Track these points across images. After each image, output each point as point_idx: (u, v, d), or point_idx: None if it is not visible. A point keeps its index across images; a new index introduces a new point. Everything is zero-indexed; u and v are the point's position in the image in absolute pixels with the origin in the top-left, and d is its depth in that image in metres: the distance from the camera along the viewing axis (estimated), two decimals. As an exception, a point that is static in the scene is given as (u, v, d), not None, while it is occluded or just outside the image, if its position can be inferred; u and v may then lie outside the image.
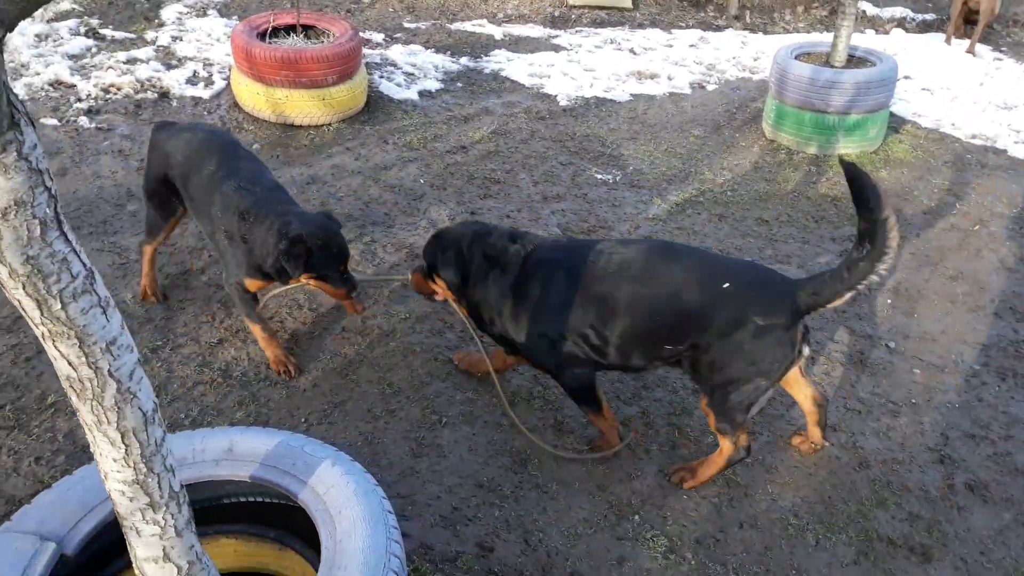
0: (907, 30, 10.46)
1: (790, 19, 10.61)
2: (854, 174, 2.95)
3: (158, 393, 3.64)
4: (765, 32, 10.16)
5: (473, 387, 3.89)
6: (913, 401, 4.13)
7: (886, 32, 10.32)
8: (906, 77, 8.68)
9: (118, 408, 1.63)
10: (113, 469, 1.71)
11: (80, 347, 1.56)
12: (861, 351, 4.44)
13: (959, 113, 7.79)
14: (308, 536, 2.18)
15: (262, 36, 6.44)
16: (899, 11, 10.95)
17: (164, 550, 1.85)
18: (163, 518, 1.81)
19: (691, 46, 9.34)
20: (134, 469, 1.71)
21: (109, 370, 1.60)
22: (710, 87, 8.23)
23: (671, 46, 9.27)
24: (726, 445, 3.33)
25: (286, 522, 2.32)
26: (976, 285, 5.14)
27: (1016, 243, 5.61)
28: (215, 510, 2.36)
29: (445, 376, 3.95)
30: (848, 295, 3.03)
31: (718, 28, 10.12)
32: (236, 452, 2.23)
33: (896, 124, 7.44)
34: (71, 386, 1.60)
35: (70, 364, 1.57)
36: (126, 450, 1.68)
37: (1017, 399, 4.17)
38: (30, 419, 3.50)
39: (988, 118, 7.71)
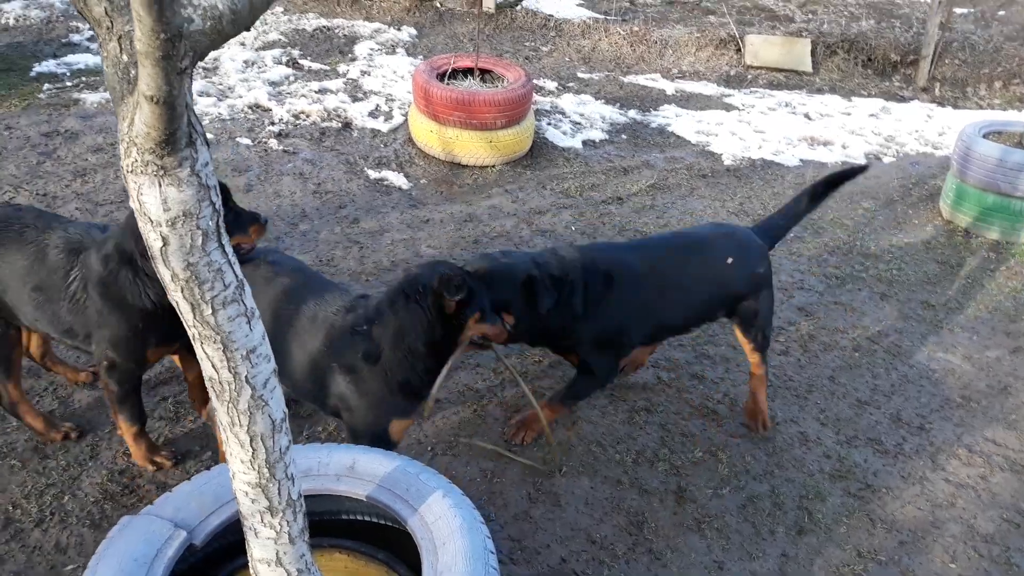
0: (1121, 115, 9.59)
1: (985, 94, 9.99)
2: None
3: (300, 405, 3.85)
4: (955, 106, 9.62)
5: (596, 440, 3.87)
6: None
7: (1095, 115, 9.51)
8: (1114, 166, 7.95)
9: (250, 413, 1.76)
10: (240, 470, 1.84)
11: (224, 352, 1.70)
12: (1029, 457, 4.06)
13: None
14: (414, 563, 2.23)
15: (441, 77, 6.78)
16: (1113, 93, 10.08)
17: (277, 554, 1.96)
18: (279, 523, 1.92)
19: (871, 115, 8.98)
20: (258, 472, 1.83)
21: (247, 376, 1.73)
22: (887, 159, 7.87)
23: (849, 114, 8.95)
24: (763, 369, 4.00)
25: (396, 545, 2.39)
26: None
27: None
28: (334, 524, 2.47)
29: (570, 424, 3.94)
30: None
31: (903, 99, 9.68)
32: (357, 470, 2.33)
33: (1096, 215, 6.81)
34: (212, 386, 1.75)
35: (213, 366, 1.71)
36: (253, 453, 1.80)
37: None
38: (187, 414, 3.79)
39: None
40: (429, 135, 6.60)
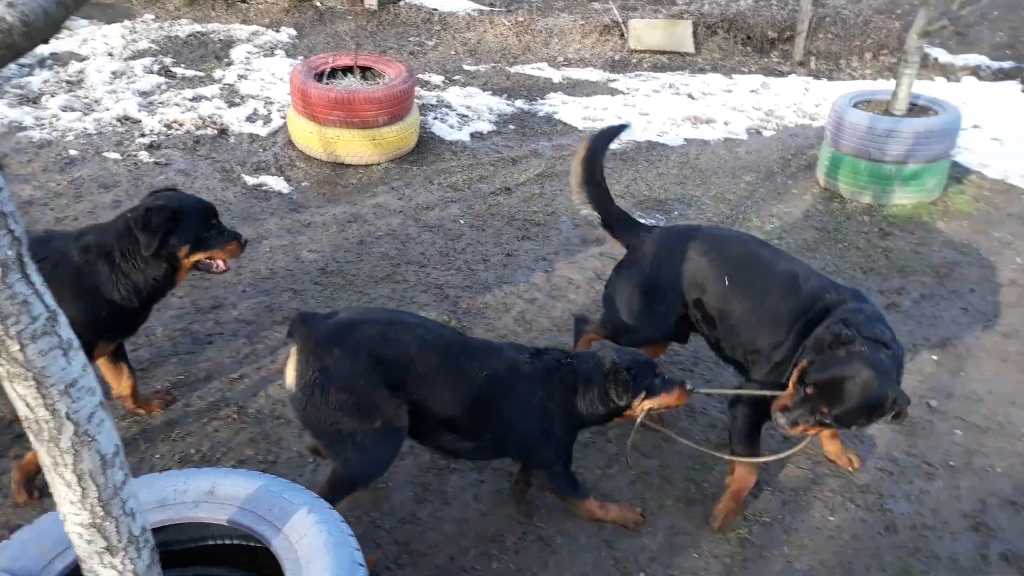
0: (981, 78, 10.12)
1: (857, 66, 10.39)
2: None
3: (172, 428, 3.72)
4: (830, 79, 9.98)
5: (488, 433, 3.86)
6: (951, 464, 3.93)
7: (958, 80, 10.01)
8: (975, 126, 8.38)
9: (75, 451, 1.67)
10: (71, 512, 1.75)
11: (37, 389, 1.61)
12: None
13: (1030, 164, 7.48)
14: (280, 579, 2.18)
15: (320, 77, 6.65)
16: (974, 59, 10.62)
17: (124, 592, 1.87)
18: (121, 562, 1.83)
19: (752, 91, 9.24)
20: (91, 512, 1.74)
21: (67, 412, 1.64)
22: (767, 133, 8.10)
23: (730, 91, 9.18)
24: None
25: (267, 566, 2.32)
26: (1029, 343, 4.89)
27: (1080, 303, 5.32)
28: (200, 551, 2.39)
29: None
30: None
31: (781, 74, 9.99)
32: (217, 495, 2.26)
33: (959, 174, 7.17)
34: (28, 426, 1.65)
35: (27, 405, 1.62)
36: (83, 493, 1.72)
37: (1066, 468, 3.93)
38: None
39: (1062, 169, 7.37)
40: (309, 137, 6.46)
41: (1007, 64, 10.48)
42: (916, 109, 6.67)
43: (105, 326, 3.22)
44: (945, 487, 3.79)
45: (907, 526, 3.57)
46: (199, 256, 3.35)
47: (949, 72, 10.26)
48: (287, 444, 3.69)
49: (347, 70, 6.93)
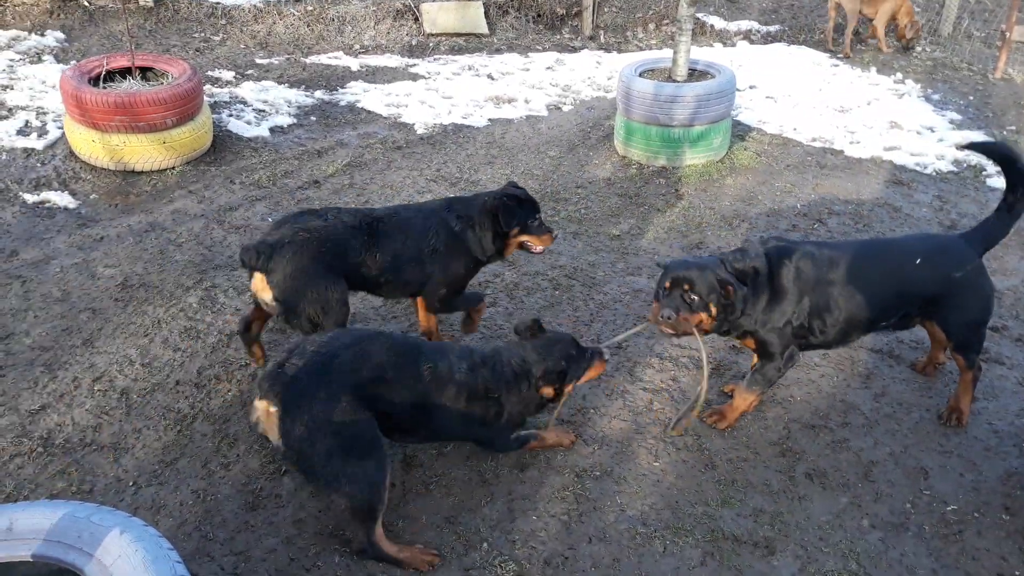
0: (752, 42, 10.98)
1: (642, 37, 10.96)
2: (978, 146, 4.14)
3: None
4: (619, 51, 10.47)
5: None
6: (758, 399, 4.27)
7: (733, 45, 10.79)
8: (751, 87, 9.10)
9: None
10: None
11: None
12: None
13: (800, 118, 8.21)
14: (105, 610, 2.05)
15: (95, 81, 6.20)
16: (745, 24, 11.49)
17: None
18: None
19: (548, 68, 9.53)
20: None
21: None
22: (566, 108, 8.39)
23: (528, 70, 9.42)
24: (970, 376, 4.03)
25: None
26: (816, 281, 5.37)
27: (852, 237, 5.91)
28: (8, 593, 2.20)
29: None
30: (1012, 229, 3.91)
31: (573, 49, 10.36)
32: (16, 530, 2.08)
33: (742, 132, 7.77)
34: None
35: None
36: None
37: (853, 387, 4.37)
38: None
39: (826, 121, 8.15)
40: (92, 145, 6.01)
41: (774, 28, 11.42)
42: (696, 74, 7.14)
43: (469, 276, 4.32)
44: (754, 420, 4.11)
45: (724, 460, 3.85)
46: (524, 238, 4.28)
47: (725, 38, 11.04)
48: (102, 471, 3.45)
49: (126, 72, 6.50)
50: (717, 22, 11.46)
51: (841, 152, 7.48)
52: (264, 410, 2.96)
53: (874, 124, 8.09)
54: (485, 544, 3.29)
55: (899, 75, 9.54)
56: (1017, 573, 3.31)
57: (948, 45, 10.63)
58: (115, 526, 2.09)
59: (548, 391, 3.45)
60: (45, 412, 3.78)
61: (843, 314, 3.78)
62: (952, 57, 10.24)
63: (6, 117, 6.68)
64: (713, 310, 3.61)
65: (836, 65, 9.95)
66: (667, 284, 3.61)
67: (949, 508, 3.62)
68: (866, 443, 3.99)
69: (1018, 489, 3.71)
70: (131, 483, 3.40)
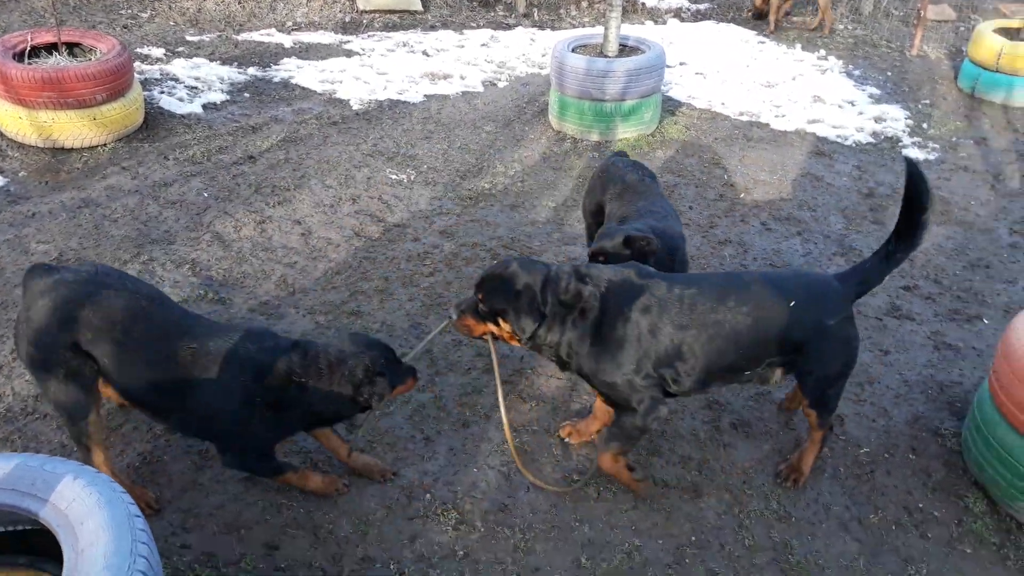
0: (683, 19, 11.23)
1: (576, 14, 11.12)
2: (911, 169, 3.22)
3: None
4: (553, 28, 10.61)
5: (261, 393, 3.87)
6: (686, 357, 4.47)
7: (664, 23, 11.03)
8: (681, 63, 9.34)
9: None
10: None
11: None
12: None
13: (728, 93, 8.48)
14: (60, 555, 2.12)
15: (20, 56, 6.07)
16: (676, 2, 11.75)
17: None
18: None
19: (483, 45, 9.61)
20: None
21: None
22: (501, 84, 8.50)
23: (463, 46, 9.49)
24: (819, 435, 3.60)
25: (40, 544, 2.25)
26: (742, 247, 5.62)
27: (776, 205, 6.18)
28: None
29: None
30: (886, 278, 3.41)
31: (508, 27, 10.46)
32: (-32, 481, 2.14)
33: (673, 107, 7.99)
34: None
35: None
36: None
37: (775, 344, 4.61)
38: None
39: (753, 96, 8.43)
40: (19, 122, 5.91)
41: (703, 6, 11.69)
42: (627, 50, 7.32)
43: None
44: (682, 374, 4.31)
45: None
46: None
47: (656, 15, 11.27)
48: (47, 438, 3.48)
49: (52, 47, 6.38)
50: (648, 0, 11.69)
51: (767, 125, 7.76)
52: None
53: (799, 99, 8.40)
54: (428, 495, 3.42)
55: (822, 51, 9.90)
56: (920, 504, 3.59)
57: (868, 23, 11.05)
58: (68, 473, 2.16)
59: (364, 393, 3.06)
60: (-18, 383, 3.78)
61: (700, 363, 3.20)
62: (872, 35, 10.64)
63: (-74, 94, 6.49)
64: (504, 326, 3.16)
65: (763, 42, 10.26)
66: (478, 281, 3.21)
67: (862, 451, 3.88)
68: (784, 394, 4.23)
69: (923, 431, 3.99)
70: (75, 448, 3.43)
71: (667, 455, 3.77)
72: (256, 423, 3.01)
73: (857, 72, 9.30)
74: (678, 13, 11.44)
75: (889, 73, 9.35)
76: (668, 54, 9.01)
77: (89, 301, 2.94)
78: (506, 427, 3.23)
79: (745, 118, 7.91)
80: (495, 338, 3.27)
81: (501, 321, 3.16)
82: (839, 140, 7.50)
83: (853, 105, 8.30)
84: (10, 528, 2.27)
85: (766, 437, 3.93)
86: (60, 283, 2.97)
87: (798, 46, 10.07)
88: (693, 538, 3.37)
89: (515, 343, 3.25)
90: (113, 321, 2.93)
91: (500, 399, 3.24)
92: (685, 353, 3.17)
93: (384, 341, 3.28)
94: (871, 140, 7.53)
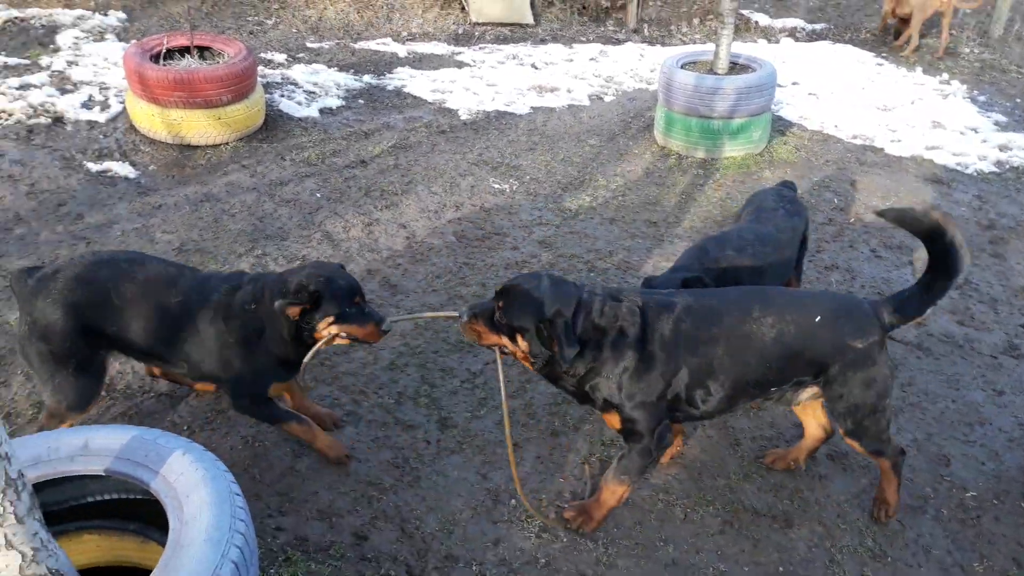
0: (797, 39, 10.98)
1: (687, 31, 11.03)
2: (896, 217, 3.10)
3: (38, 410, 3.64)
4: (663, 44, 10.55)
5: (359, 389, 4.00)
6: (784, 382, 4.37)
7: (777, 42, 10.81)
8: (794, 83, 9.14)
9: (-57, 398, 1.71)
10: (-54, 458, 1.78)
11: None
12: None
13: (842, 115, 8.24)
14: (166, 526, 2.25)
15: (156, 58, 6.47)
16: (791, 22, 11.50)
17: (6, 537, 1.91)
18: (1, 505, 1.87)
19: (591, 59, 9.65)
20: (-35, 457, 1.78)
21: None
22: (608, 98, 8.51)
23: (571, 60, 9.56)
24: (886, 464, 3.42)
25: (146, 515, 2.39)
26: (849, 273, 5.46)
27: (888, 233, 5.97)
28: (81, 509, 2.42)
29: (331, 380, 4.04)
30: (929, 311, 3.15)
31: (618, 41, 10.47)
32: (91, 448, 2.30)
33: (783, 127, 7.83)
34: None
35: None
36: (-45, 438, 1.75)
37: (879, 375, 4.45)
38: None
39: (868, 119, 8.17)
40: (152, 119, 6.29)
41: (819, 25, 11.41)
42: (737, 67, 7.22)
43: None
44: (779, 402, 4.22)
45: (749, 439, 3.97)
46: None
47: (770, 34, 11.06)
48: (160, 415, 3.69)
49: (184, 50, 6.77)
50: (762, 19, 11.49)
51: (881, 150, 7.51)
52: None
53: (916, 123, 8.09)
54: (513, 501, 3.46)
55: (945, 75, 9.51)
56: (1031, 554, 3.40)
57: (997, 47, 10.54)
58: (178, 448, 2.30)
59: (293, 311, 3.02)
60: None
61: (729, 379, 3.10)
62: (1001, 59, 10.16)
63: (72, 91, 6.99)
64: (522, 345, 2.96)
65: (881, 64, 9.93)
66: (499, 287, 3.06)
67: (968, 494, 3.71)
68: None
69: (1038, 478, 3.79)
70: (185, 427, 3.63)
71: (759, 482, 3.70)
72: (237, 362, 3.18)
73: (982, 98, 8.89)
74: (793, 32, 11.19)
75: (1018, 100, 8.90)
76: (780, 73, 8.83)
77: (80, 282, 3.15)
78: (510, 450, 3.08)
79: (858, 141, 7.67)
80: (504, 352, 3.07)
81: (519, 338, 2.96)
82: (959, 168, 7.19)
83: (976, 132, 7.94)
84: (123, 496, 2.42)
85: (864, 471, 3.80)
86: (46, 278, 3.16)
87: (919, 69, 9.70)
88: (781, 568, 3.29)
89: (526, 364, 3.06)
90: (107, 291, 3.15)
91: (506, 418, 3.05)
92: (716, 369, 3.08)
93: (355, 281, 3.22)
94: (994, 169, 7.18)
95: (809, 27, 11.39)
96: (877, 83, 9.26)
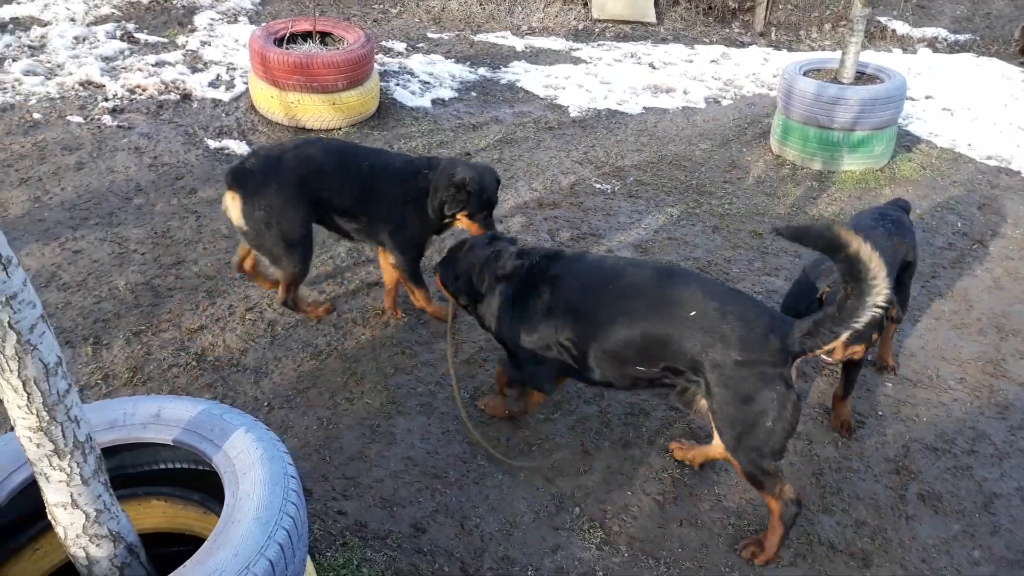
0: (937, 50, 10.37)
1: (816, 36, 10.59)
2: (794, 234, 2.95)
3: (134, 374, 3.85)
4: (790, 49, 10.18)
5: (436, 380, 4.03)
6: (880, 413, 4.15)
7: (914, 52, 10.24)
8: (927, 97, 8.63)
9: (19, 358, 1.80)
10: (19, 416, 1.88)
11: (-21, 302, 1.73)
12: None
13: (977, 134, 7.72)
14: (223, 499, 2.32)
15: (280, 42, 6.70)
16: (932, 31, 10.87)
17: (72, 496, 2.01)
18: (69, 465, 1.97)
19: (712, 61, 9.41)
20: (37, 416, 1.88)
21: (9, 322, 1.77)
22: (725, 102, 8.28)
23: (691, 61, 9.34)
24: (771, 504, 3.18)
25: (210, 487, 2.47)
26: (965, 303, 5.12)
27: (1013, 263, 5.56)
28: (150, 474, 2.53)
29: (411, 369, 4.09)
30: (844, 334, 2.89)
31: (742, 44, 10.16)
32: (163, 417, 2.39)
33: (910, 142, 7.41)
34: (-25, 337, 1.78)
35: (-28, 317, 1.75)
36: (28, 398, 1.85)
37: (987, 415, 4.16)
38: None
39: (1006, 139, 7.63)
40: (271, 101, 6.53)
41: (963, 36, 10.73)
42: (864, 77, 6.87)
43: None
44: (872, 433, 4.00)
45: (833, 469, 3.78)
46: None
47: (907, 43, 10.49)
48: (243, 389, 3.83)
49: (307, 35, 6.98)
50: (900, 27, 10.90)
51: (1018, 173, 7.00)
52: (230, 199, 3.86)
53: (1062, 146, 7.50)
54: (577, 509, 3.41)
55: (1101, 97, 8.76)
56: None
57: None
58: (242, 426, 2.36)
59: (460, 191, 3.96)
60: (202, 332, 4.22)
61: (598, 344, 3.22)
62: None
63: (202, 70, 7.35)
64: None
65: (1029, 81, 9.26)
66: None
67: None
68: (992, 474, 3.80)
69: None
70: (266, 403, 3.75)
71: (839, 515, 3.52)
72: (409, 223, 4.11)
73: None
74: (932, 43, 10.57)
75: None
76: (913, 86, 8.37)
77: (302, 160, 3.94)
78: (454, 382, 3.67)
79: (993, 162, 7.17)
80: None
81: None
82: (1106, 198, 6.61)
83: None
84: (191, 466, 2.52)
85: (958, 516, 3.55)
86: (270, 166, 3.89)
87: (1072, 88, 8.98)
88: (852, 610, 3.11)
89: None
90: (322, 163, 3.99)
91: (449, 355, 3.69)
92: (585, 328, 3.26)
93: (495, 193, 4.16)
94: None
95: (952, 37, 10.72)
96: (1022, 101, 8.63)
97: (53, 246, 4.82)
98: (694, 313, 3.04)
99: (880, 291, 2.76)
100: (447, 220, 4.12)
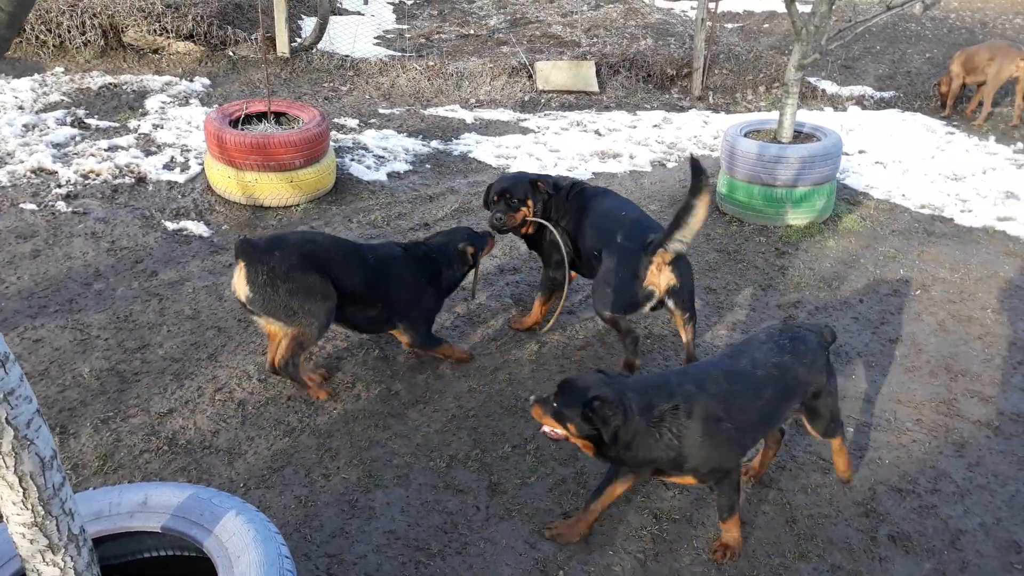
0: (865, 107, 10.92)
1: (751, 98, 11.07)
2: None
3: (104, 462, 3.79)
4: (727, 111, 10.61)
5: (411, 451, 4.04)
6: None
7: (844, 109, 10.76)
8: (861, 152, 9.06)
9: (15, 454, 1.81)
10: (13, 512, 1.88)
11: (-22, 399, 1.75)
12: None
13: (910, 185, 8.12)
14: (217, 584, 2.31)
15: (235, 123, 6.80)
16: (858, 90, 11.45)
17: (64, 591, 2.00)
18: (63, 560, 1.96)
19: (655, 126, 9.75)
20: (32, 512, 1.87)
21: (6, 418, 1.78)
22: (670, 164, 8.57)
23: (635, 127, 9.67)
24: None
25: (201, 572, 2.45)
26: (914, 347, 5.32)
27: (956, 306, 5.82)
28: (137, 564, 2.50)
29: (385, 441, 4.10)
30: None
31: (682, 109, 10.57)
32: (150, 505, 2.39)
33: (848, 196, 7.75)
34: (-30, 434, 1.78)
35: (-31, 414, 1.76)
36: (24, 493, 1.85)
37: (945, 454, 4.31)
38: None
39: (937, 189, 8.03)
40: (227, 181, 6.59)
41: (887, 94, 11.33)
42: (801, 136, 7.21)
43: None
44: (839, 480, 4.12)
45: (805, 516, 3.87)
46: None
47: (836, 102, 11.02)
48: (217, 471, 3.80)
49: (261, 116, 7.09)
50: (829, 87, 11.47)
51: (951, 220, 7.36)
52: (237, 269, 4.08)
53: (988, 193, 7.92)
54: (561, 572, 3.43)
55: (1020, 144, 9.30)
56: (1108, 655, 3.20)
57: (1075, 117, 10.28)
58: (232, 508, 2.37)
59: (470, 249, 4.76)
60: (172, 415, 4.18)
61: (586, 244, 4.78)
62: (1079, 129, 9.89)
63: (156, 153, 7.38)
64: (530, 204, 4.91)
65: (951, 133, 9.78)
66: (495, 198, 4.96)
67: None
68: (955, 511, 3.93)
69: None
70: (242, 484, 3.72)
71: (815, 562, 3.59)
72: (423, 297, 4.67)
73: (1059, 168, 8.66)
74: (860, 100, 11.13)
75: (1098, 171, 8.64)
76: (847, 142, 8.78)
77: (306, 240, 4.38)
78: None
79: (927, 211, 7.54)
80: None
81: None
82: (1034, 240, 6.98)
83: (1053, 204, 7.72)
84: (179, 553, 2.50)
85: (928, 555, 3.66)
86: (273, 241, 4.25)
87: (992, 138, 9.52)
88: (837, 655, 3.17)
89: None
90: (327, 254, 4.33)
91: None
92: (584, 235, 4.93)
93: (465, 228, 5.03)
94: (1073, 243, 6.95)
95: (878, 95, 11.32)
96: (947, 152, 9.11)
97: (12, 336, 4.76)
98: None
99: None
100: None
